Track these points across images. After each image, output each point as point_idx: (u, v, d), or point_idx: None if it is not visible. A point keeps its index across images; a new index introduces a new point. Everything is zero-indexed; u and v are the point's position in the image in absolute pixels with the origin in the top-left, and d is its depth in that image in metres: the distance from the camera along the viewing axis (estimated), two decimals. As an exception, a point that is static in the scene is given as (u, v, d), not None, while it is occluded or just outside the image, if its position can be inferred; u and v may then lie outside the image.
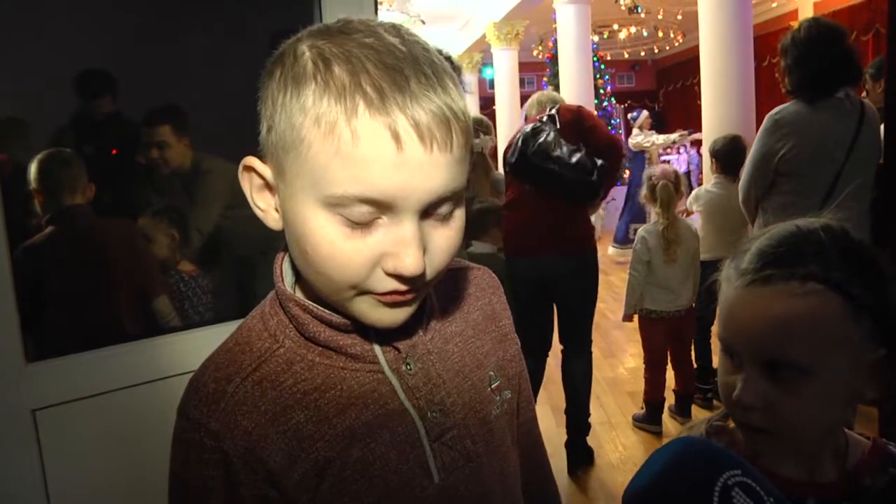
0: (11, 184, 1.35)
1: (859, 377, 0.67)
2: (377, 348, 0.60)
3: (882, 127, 2.13)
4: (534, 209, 2.66)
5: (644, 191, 3.25)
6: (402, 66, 0.50)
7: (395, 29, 0.53)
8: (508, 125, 10.43)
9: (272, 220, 0.57)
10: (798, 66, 2.26)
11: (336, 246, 0.51)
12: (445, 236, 0.55)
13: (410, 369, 0.60)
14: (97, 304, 1.49)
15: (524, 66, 13.09)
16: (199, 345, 1.31)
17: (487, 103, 13.17)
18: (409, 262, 0.51)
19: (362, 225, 0.51)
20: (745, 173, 2.45)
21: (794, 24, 2.59)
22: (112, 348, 1.27)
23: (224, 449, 0.54)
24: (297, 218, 0.53)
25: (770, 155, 2.30)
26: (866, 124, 2.25)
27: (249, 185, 0.57)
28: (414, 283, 0.53)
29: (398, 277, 0.52)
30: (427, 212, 0.52)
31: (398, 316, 0.56)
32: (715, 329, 3.16)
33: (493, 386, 0.67)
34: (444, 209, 0.53)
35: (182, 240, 1.63)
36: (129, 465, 1.24)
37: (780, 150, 2.27)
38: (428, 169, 0.50)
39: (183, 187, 1.64)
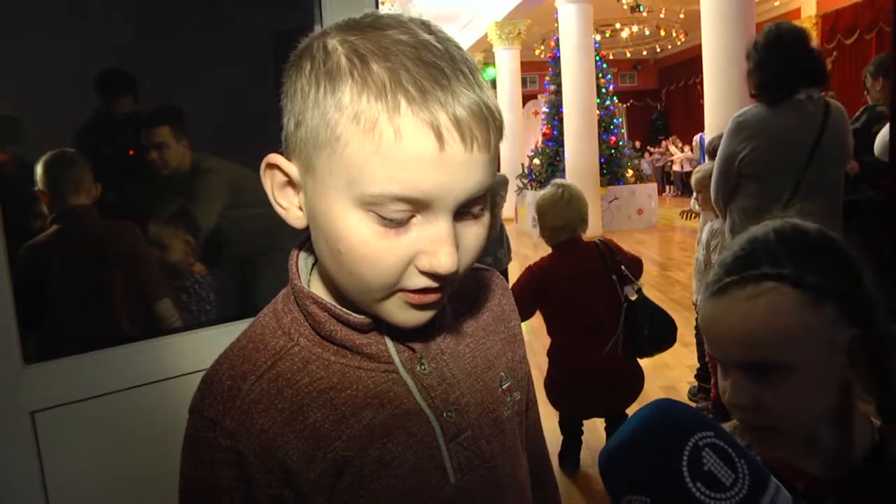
0: (13, 184, 1.35)
1: (839, 361, 0.69)
2: (392, 348, 0.59)
3: (888, 126, 2.12)
4: None
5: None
6: (440, 64, 0.49)
7: (426, 25, 0.52)
8: (509, 125, 10.45)
9: (294, 218, 0.56)
10: (758, 69, 2.30)
11: (371, 245, 0.51)
12: (475, 234, 0.55)
13: (425, 369, 0.59)
14: (98, 304, 1.49)
15: (526, 66, 13.10)
16: (199, 346, 1.31)
17: (489, 102, 13.19)
18: (445, 261, 0.51)
19: (396, 223, 0.50)
20: (713, 175, 2.47)
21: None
22: (112, 349, 1.26)
23: (240, 448, 0.53)
24: (329, 217, 0.52)
25: (732, 157, 2.31)
26: (830, 125, 2.25)
27: (271, 183, 0.56)
28: (446, 281, 0.53)
29: (432, 275, 0.52)
30: (459, 210, 0.52)
31: (424, 316, 0.56)
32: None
33: (504, 387, 0.66)
34: (476, 208, 0.53)
35: (198, 245, 1.62)
36: (128, 467, 1.23)
37: (741, 151, 2.28)
38: (467, 168, 0.49)
39: (183, 188, 1.63)
